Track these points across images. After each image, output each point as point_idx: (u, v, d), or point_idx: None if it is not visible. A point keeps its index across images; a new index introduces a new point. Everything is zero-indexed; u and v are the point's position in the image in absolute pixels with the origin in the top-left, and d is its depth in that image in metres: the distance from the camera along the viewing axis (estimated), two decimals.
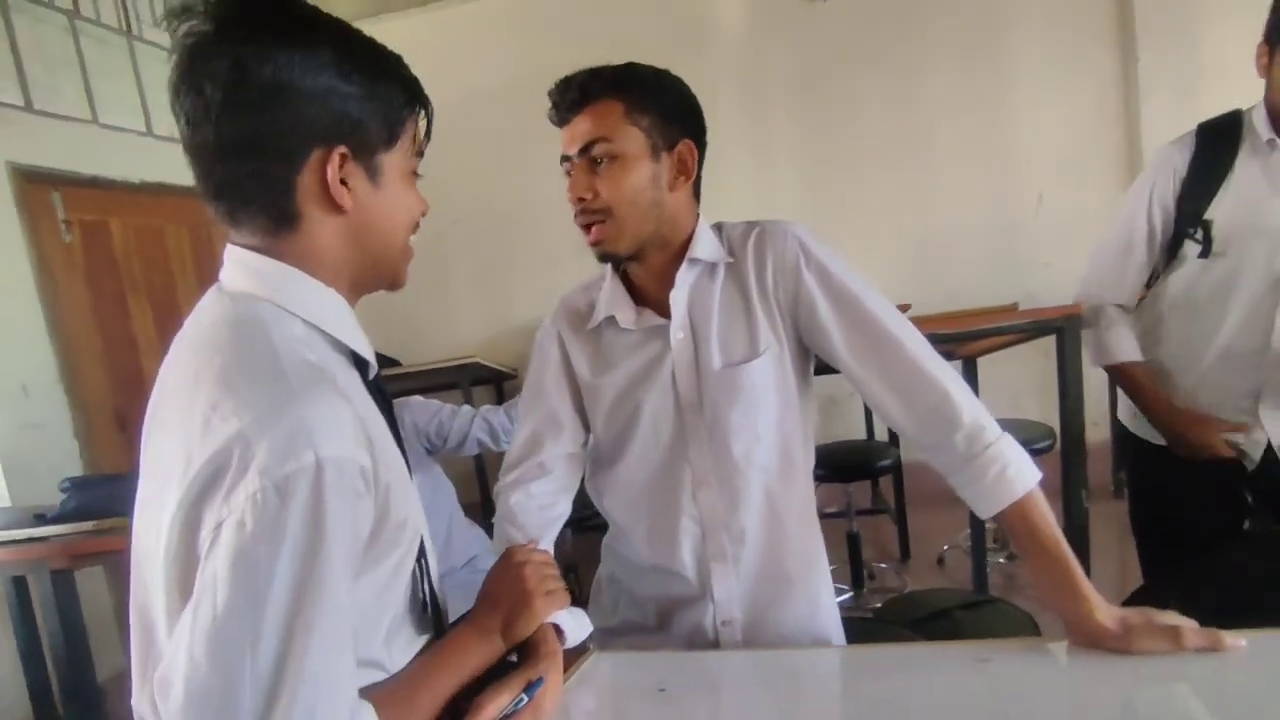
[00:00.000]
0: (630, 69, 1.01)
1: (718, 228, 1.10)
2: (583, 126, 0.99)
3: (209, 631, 0.56)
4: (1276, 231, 1.39)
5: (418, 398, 2.13)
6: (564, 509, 1.12)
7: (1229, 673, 0.79)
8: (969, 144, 3.75)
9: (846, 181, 3.88)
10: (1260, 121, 1.40)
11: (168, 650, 0.60)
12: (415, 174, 0.77)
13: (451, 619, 0.87)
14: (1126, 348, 1.58)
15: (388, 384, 0.82)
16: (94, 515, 1.87)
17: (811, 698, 0.92)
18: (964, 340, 2.34)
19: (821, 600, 1.12)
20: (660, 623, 1.13)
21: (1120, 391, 1.68)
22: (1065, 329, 1.91)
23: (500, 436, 2.11)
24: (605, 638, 1.18)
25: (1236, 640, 0.81)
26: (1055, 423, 2.13)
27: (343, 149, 0.67)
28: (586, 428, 1.14)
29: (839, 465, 2.79)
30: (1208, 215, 1.44)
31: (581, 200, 1.00)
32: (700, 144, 1.05)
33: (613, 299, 1.09)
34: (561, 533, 1.15)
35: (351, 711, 0.62)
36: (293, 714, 0.56)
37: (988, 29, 3.68)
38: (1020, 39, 3.66)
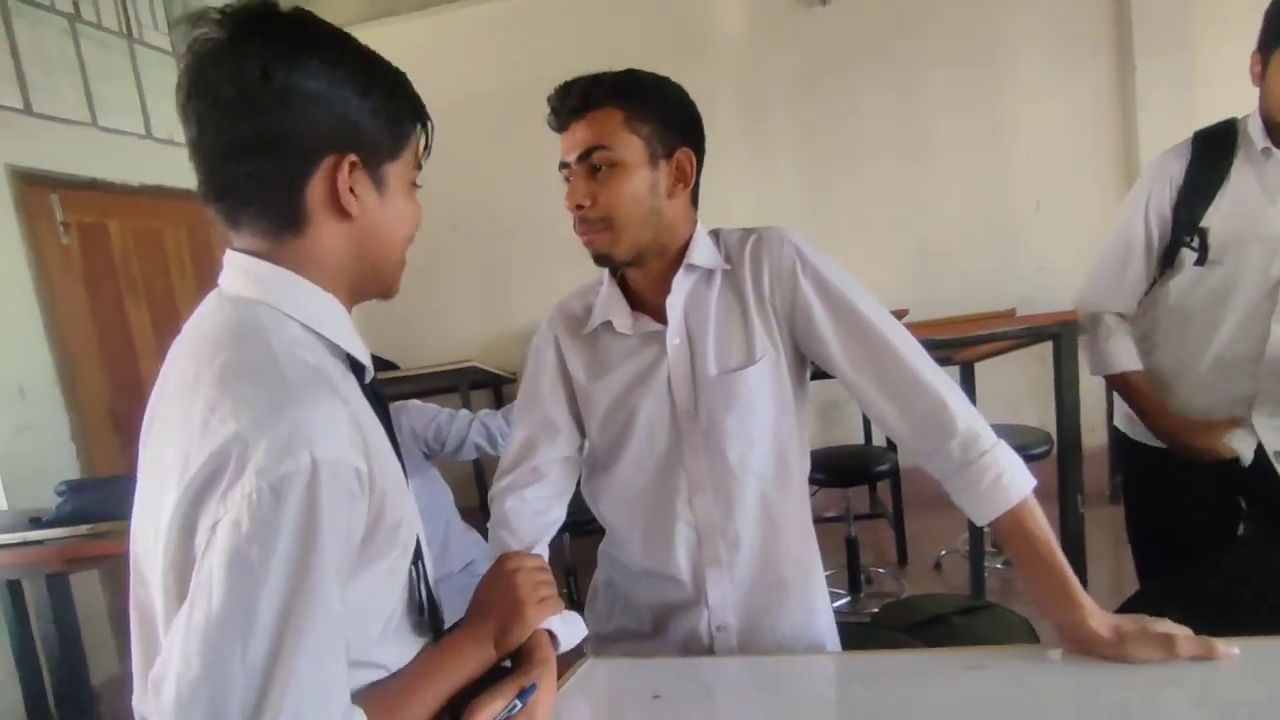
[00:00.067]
0: (631, 76, 1.01)
1: (715, 234, 1.10)
2: (582, 133, 0.99)
3: (202, 631, 0.57)
4: (1272, 239, 1.40)
5: (415, 402, 2.13)
6: (558, 515, 1.12)
7: (1223, 681, 0.79)
8: (967, 149, 3.77)
9: (845, 186, 3.89)
10: (1255, 130, 1.41)
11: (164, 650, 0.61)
12: (414, 185, 0.78)
13: (448, 623, 0.88)
14: (1125, 358, 1.58)
15: (386, 387, 0.82)
16: (90, 519, 1.86)
17: (806, 704, 0.92)
18: (961, 346, 2.34)
19: (817, 606, 1.12)
20: (656, 628, 1.13)
21: (1117, 396, 1.68)
22: (1062, 335, 1.92)
23: (498, 441, 2.11)
24: (601, 643, 1.18)
25: (1230, 648, 0.81)
26: (1052, 428, 2.13)
27: (353, 157, 0.69)
28: (582, 432, 1.14)
29: (837, 470, 2.79)
30: (1204, 223, 1.44)
31: (580, 207, 1.00)
32: (699, 152, 1.06)
33: (609, 304, 1.09)
34: (559, 537, 1.15)
35: (344, 715, 0.62)
36: (282, 713, 0.57)
37: (986, 36, 3.69)
38: (1018, 46, 3.68)
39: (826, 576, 1.18)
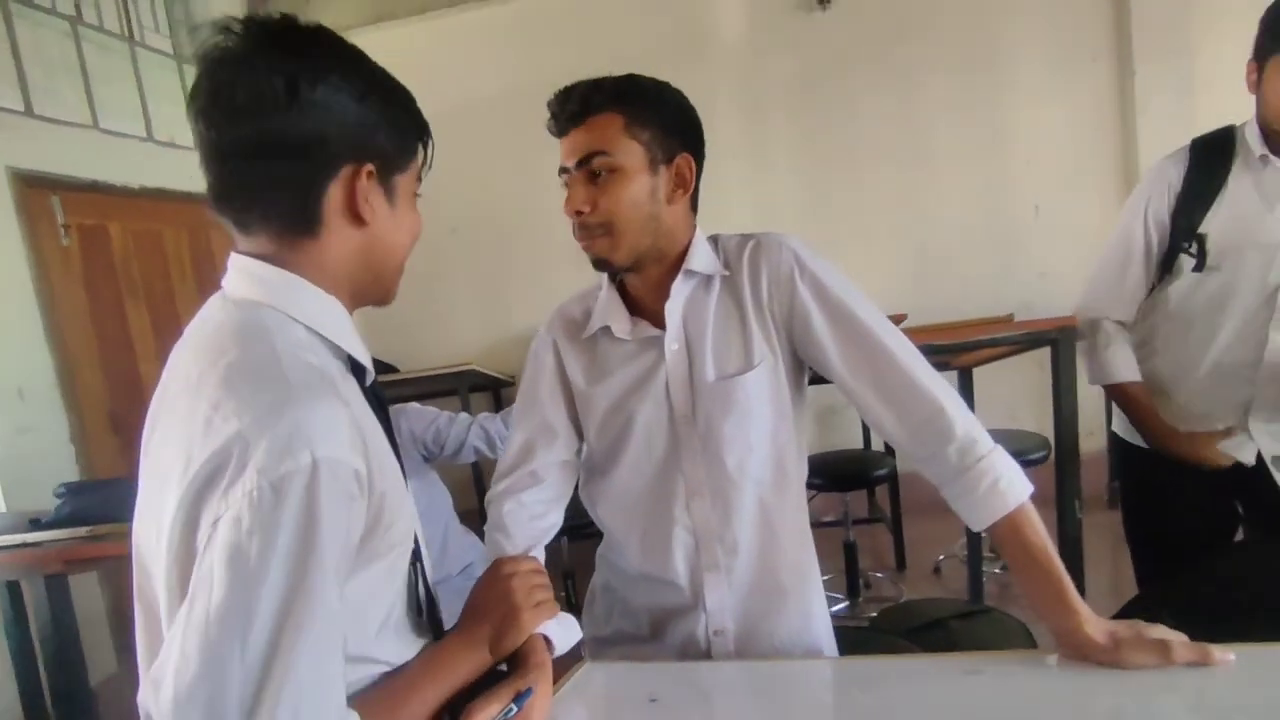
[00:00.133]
0: (631, 81, 1.01)
1: (713, 240, 1.10)
2: (582, 139, 1.00)
3: (202, 627, 0.57)
4: (1269, 246, 1.40)
5: (414, 405, 2.13)
6: (555, 520, 1.12)
7: (1218, 687, 0.80)
8: (967, 154, 3.77)
9: (845, 190, 3.89)
10: (1253, 137, 1.42)
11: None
12: (416, 195, 0.81)
13: (448, 625, 0.88)
14: (1124, 368, 1.59)
15: (386, 390, 0.84)
16: (89, 521, 1.86)
17: (803, 709, 0.92)
18: (959, 351, 2.34)
19: (814, 611, 1.12)
20: (653, 632, 1.13)
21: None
22: (1060, 340, 1.92)
23: (497, 444, 2.11)
24: (598, 647, 1.18)
25: (1225, 655, 0.81)
26: (1050, 433, 2.13)
27: (370, 167, 0.72)
28: (580, 436, 1.14)
29: (836, 474, 2.79)
30: (1202, 229, 1.45)
31: (579, 213, 1.00)
32: (698, 157, 1.06)
33: (608, 309, 1.09)
34: (557, 540, 1.15)
35: (339, 716, 0.63)
36: (279, 709, 0.57)
37: (986, 41, 3.70)
38: (1018, 51, 3.68)
39: (825, 581, 1.19)
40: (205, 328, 0.72)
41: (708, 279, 1.07)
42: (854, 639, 1.35)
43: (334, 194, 0.71)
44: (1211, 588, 1.24)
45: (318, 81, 0.67)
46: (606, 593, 1.20)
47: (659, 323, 1.06)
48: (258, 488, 0.58)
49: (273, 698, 0.57)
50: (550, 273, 3.36)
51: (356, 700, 0.67)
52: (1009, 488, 0.93)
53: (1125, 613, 1.06)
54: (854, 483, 2.88)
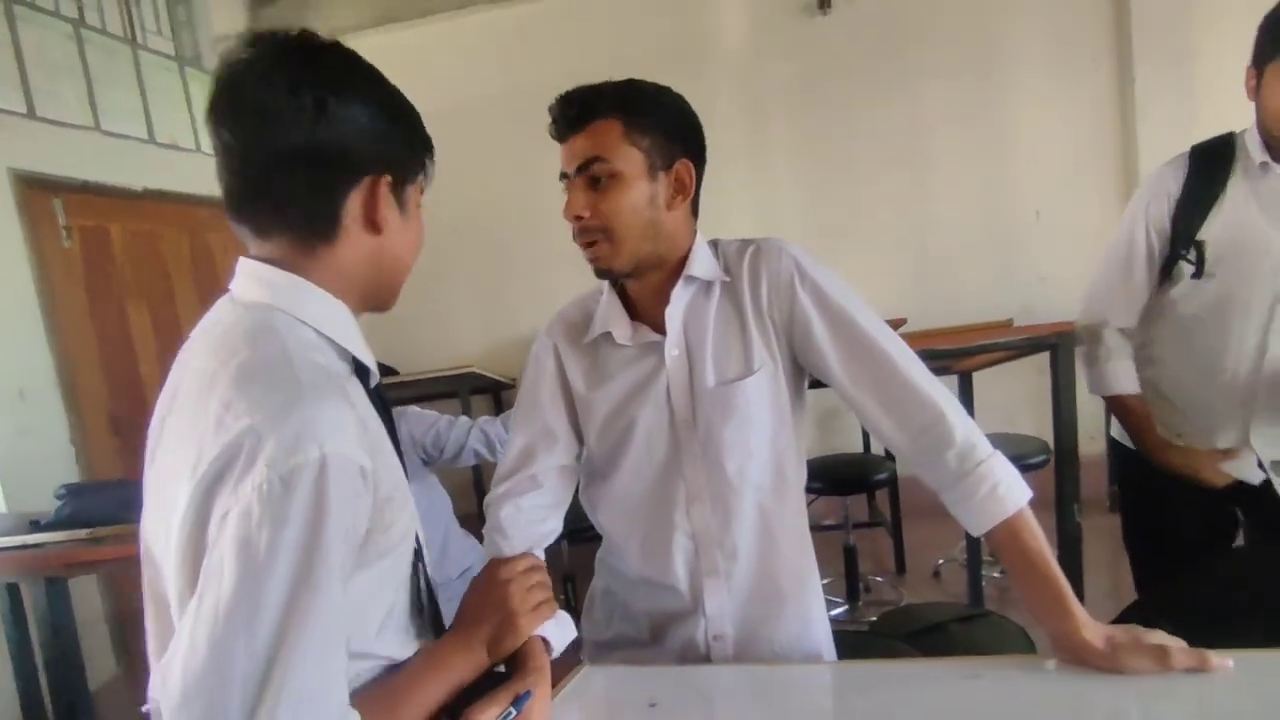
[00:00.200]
0: (631, 87, 1.02)
1: (714, 245, 1.10)
2: (582, 145, 1.00)
3: (210, 618, 0.58)
4: (1269, 253, 1.40)
5: (414, 408, 2.13)
6: (554, 525, 1.11)
7: (1217, 693, 0.80)
8: (967, 158, 3.78)
9: (845, 195, 3.90)
10: (1253, 144, 1.42)
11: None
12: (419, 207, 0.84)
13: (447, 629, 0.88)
14: (1124, 381, 1.58)
15: (386, 392, 0.84)
16: (89, 523, 1.86)
17: (802, 713, 0.92)
18: (959, 356, 2.34)
19: (813, 616, 1.12)
20: (653, 637, 1.13)
21: None
22: (1059, 345, 1.92)
23: (496, 447, 2.11)
24: (598, 651, 1.18)
25: (1224, 660, 0.81)
26: (1050, 437, 2.13)
27: (388, 177, 0.75)
28: (580, 441, 1.14)
29: (836, 478, 2.79)
30: (1200, 236, 1.45)
31: (579, 218, 1.01)
32: (699, 163, 1.06)
33: (609, 314, 1.09)
34: (557, 544, 1.15)
35: (341, 714, 0.64)
36: (281, 700, 0.58)
37: (986, 46, 3.71)
38: (1019, 56, 3.69)
39: (825, 584, 1.19)
40: (215, 330, 0.73)
41: (708, 285, 1.07)
42: (854, 642, 1.35)
43: (354, 203, 0.74)
44: (1211, 588, 1.24)
45: (343, 96, 0.71)
46: (606, 597, 1.20)
47: (659, 328, 1.06)
48: (267, 481, 0.60)
49: (276, 690, 0.58)
50: (551, 275, 3.36)
51: (356, 700, 0.68)
52: (1007, 493, 0.93)
53: (1124, 618, 1.06)
54: (854, 486, 2.88)
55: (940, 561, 3.24)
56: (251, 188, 0.72)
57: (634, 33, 3.90)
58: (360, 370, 0.78)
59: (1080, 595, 0.91)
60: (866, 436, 3.74)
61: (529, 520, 1.07)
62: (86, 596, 2.72)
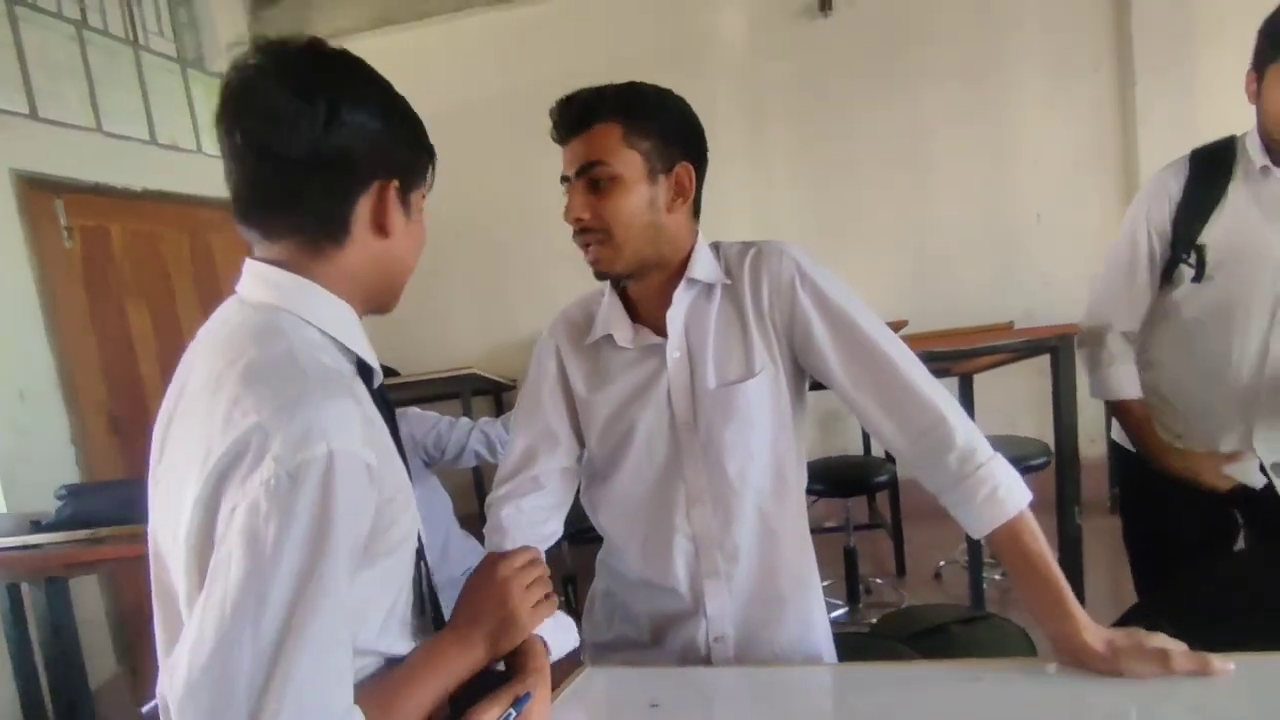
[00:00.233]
0: (632, 90, 1.02)
1: (715, 247, 1.10)
2: (582, 148, 1.00)
3: (218, 610, 0.59)
4: (1269, 257, 1.40)
5: (415, 409, 2.13)
6: (555, 527, 1.11)
7: (1219, 696, 0.80)
8: (968, 161, 3.78)
9: (846, 197, 3.90)
10: (1254, 148, 1.42)
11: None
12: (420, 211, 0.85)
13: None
14: (1127, 385, 1.58)
15: (389, 394, 0.85)
16: (90, 523, 1.86)
17: (803, 715, 0.92)
18: (959, 359, 2.35)
19: (814, 618, 1.12)
20: (654, 638, 1.13)
21: None
22: (1059, 348, 1.93)
23: (497, 449, 2.11)
24: (599, 652, 1.18)
25: (1225, 664, 0.81)
26: (1051, 439, 2.13)
27: (395, 182, 0.77)
28: (581, 443, 1.14)
29: (836, 480, 2.79)
30: (1201, 240, 1.45)
31: (579, 221, 1.01)
32: (700, 166, 1.06)
33: (610, 317, 1.09)
34: (558, 545, 1.15)
35: (345, 709, 0.64)
36: (287, 693, 0.58)
37: (988, 49, 3.71)
38: (1020, 59, 3.69)
39: (825, 586, 1.19)
40: (222, 330, 0.74)
41: (709, 287, 1.07)
42: (855, 644, 1.35)
43: (363, 207, 0.76)
44: (1211, 588, 1.24)
45: (354, 103, 0.72)
46: (607, 598, 1.20)
47: (661, 330, 1.07)
48: (275, 476, 0.61)
49: (281, 683, 0.58)
50: (551, 277, 3.37)
51: (357, 698, 0.68)
52: (1008, 495, 0.93)
53: (1125, 621, 1.06)
54: (854, 488, 2.88)
55: (941, 563, 3.24)
56: (262, 191, 0.74)
57: (633, 34, 3.90)
58: (364, 371, 0.78)
59: (1081, 597, 0.91)
60: (867, 438, 3.74)
61: (530, 521, 1.07)
62: (87, 596, 2.72)
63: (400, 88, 0.80)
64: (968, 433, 0.97)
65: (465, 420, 2.13)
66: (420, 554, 0.82)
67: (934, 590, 3.13)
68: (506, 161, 3.95)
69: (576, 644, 0.97)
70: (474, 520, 1.98)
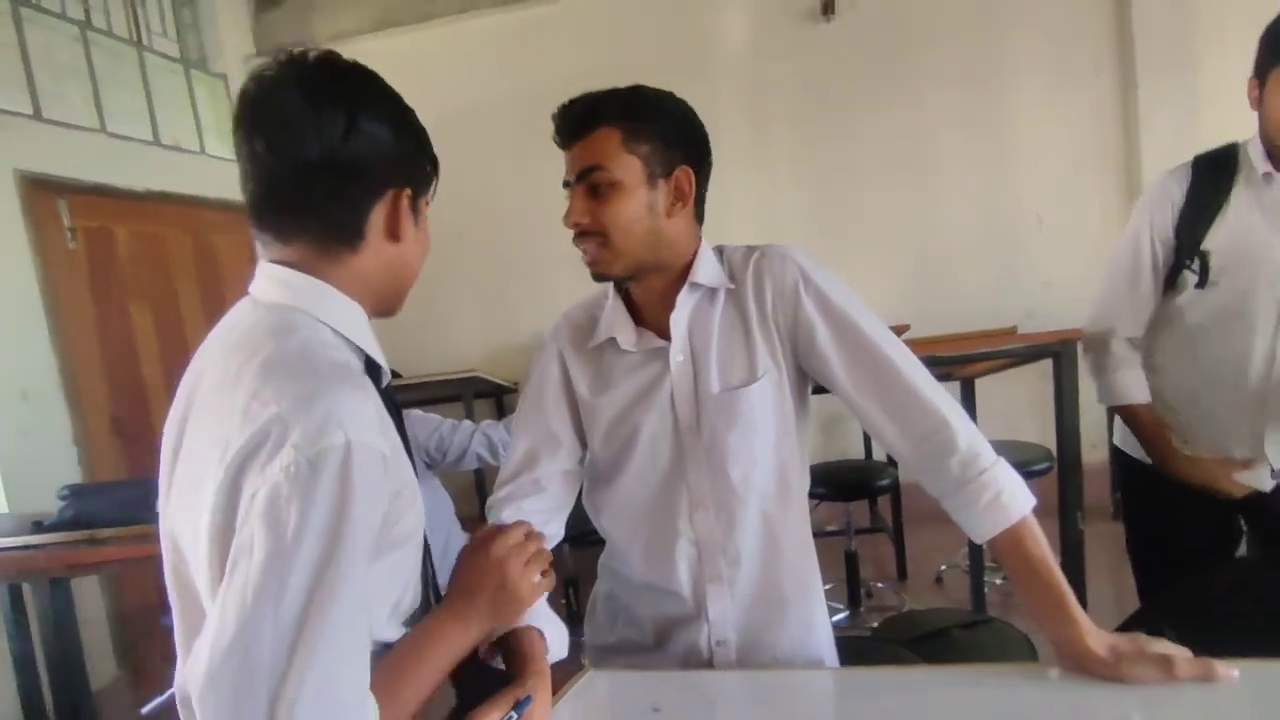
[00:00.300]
0: (633, 94, 1.02)
1: (719, 251, 1.10)
2: (581, 153, 1.00)
3: (239, 594, 0.60)
4: (1271, 262, 1.40)
5: (417, 411, 2.14)
6: (556, 530, 1.11)
7: (1222, 703, 0.80)
8: (970, 165, 3.78)
9: (848, 200, 3.90)
10: (1256, 154, 1.41)
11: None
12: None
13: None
14: (1135, 391, 1.57)
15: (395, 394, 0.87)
16: (92, 524, 1.87)
17: (804, 719, 0.92)
18: (961, 363, 2.35)
19: (816, 622, 1.12)
20: (657, 642, 1.13)
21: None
22: (1062, 353, 1.92)
23: (499, 451, 2.12)
24: (601, 655, 1.18)
25: (1229, 670, 0.81)
26: (1053, 444, 2.13)
27: (408, 191, 0.80)
28: (584, 446, 1.14)
29: (838, 484, 2.79)
30: (1204, 246, 1.45)
31: (578, 225, 1.01)
32: (702, 169, 1.06)
33: (614, 320, 1.09)
34: (559, 548, 1.15)
35: (362, 694, 0.64)
36: (308, 674, 0.59)
37: (990, 53, 3.71)
38: (1022, 63, 3.70)
39: (826, 590, 1.19)
40: (237, 329, 0.76)
41: (713, 291, 1.07)
42: (856, 648, 1.35)
43: (378, 214, 0.78)
44: (1215, 593, 1.24)
45: (372, 115, 0.75)
46: (609, 601, 1.20)
47: (664, 334, 1.07)
48: (295, 463, 0.62)
49: (301, 669, 0.59)
50: (554, 279, 3.36)
51: None
52: (1010, 501, 0.93)
53: (1128, 626, 1.06)
54: (856, 492, 2.88)
55: (943, 567, 3.24)
56: (280, 196, 0.76)
57: (636, 37, 3.91)
58: (371, 372, 0.80)
59: (1083, 602, 0.91)
60: (868, 442, 3.74)
61: (531, 523, 1.07)
62: (88, 597, 2.72)
63: (402, 90, 0.81)
64: (971, 437, 0.96)
65: (467, 423, 2.13)
66: (427, 552, 0.83)
67: (935, 594, 3.12)
68: (509, 164, 3.96)
69: (567, 644, 0.96)
70: (475, 522, 1.98)
